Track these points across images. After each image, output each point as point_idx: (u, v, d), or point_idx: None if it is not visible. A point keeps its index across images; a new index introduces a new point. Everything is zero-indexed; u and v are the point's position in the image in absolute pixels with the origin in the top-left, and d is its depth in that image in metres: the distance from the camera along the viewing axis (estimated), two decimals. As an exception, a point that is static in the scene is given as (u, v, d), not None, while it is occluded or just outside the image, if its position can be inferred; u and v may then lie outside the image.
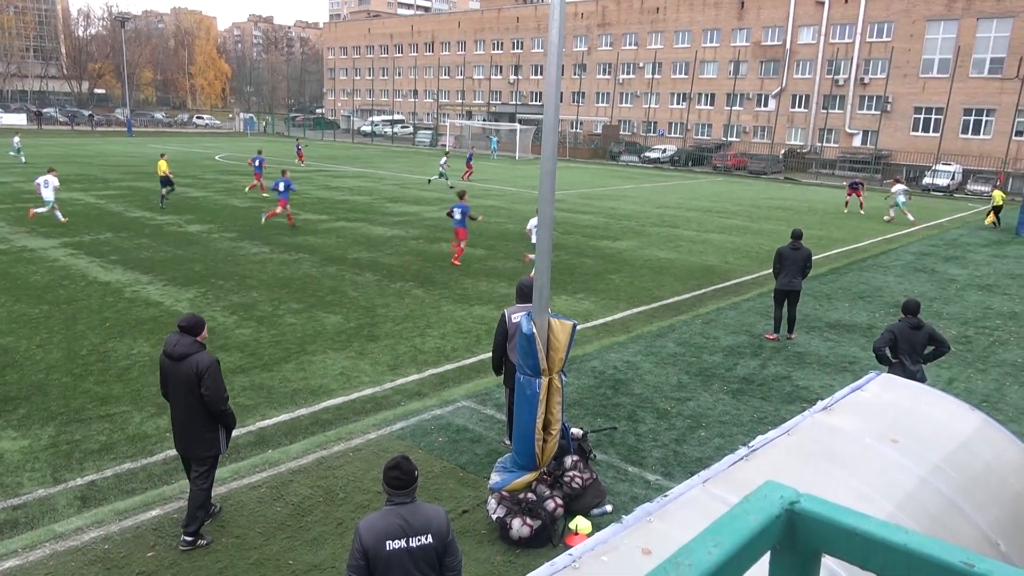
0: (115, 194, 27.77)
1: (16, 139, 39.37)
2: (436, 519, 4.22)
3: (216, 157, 48.86)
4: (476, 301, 14.02)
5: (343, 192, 31.35)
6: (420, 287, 14.89)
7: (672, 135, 68.24)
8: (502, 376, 7.79)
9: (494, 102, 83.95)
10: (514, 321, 7.31)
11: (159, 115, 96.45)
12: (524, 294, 7.41)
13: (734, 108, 63.49)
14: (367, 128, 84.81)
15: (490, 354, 8.26)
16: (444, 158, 36.56)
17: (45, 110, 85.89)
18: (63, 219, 20.64)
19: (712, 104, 66.25)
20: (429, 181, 37.07)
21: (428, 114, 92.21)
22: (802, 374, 10.75)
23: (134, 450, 7.66)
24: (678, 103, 68.71)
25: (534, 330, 6.44)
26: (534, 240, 24.72)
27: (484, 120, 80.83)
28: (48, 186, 20.43)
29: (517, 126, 64.61)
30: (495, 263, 17.59)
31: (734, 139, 63.87)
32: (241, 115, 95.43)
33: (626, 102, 72.42)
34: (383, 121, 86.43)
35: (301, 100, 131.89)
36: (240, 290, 14.08)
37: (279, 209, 21.36)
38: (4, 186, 28.96)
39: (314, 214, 24.46)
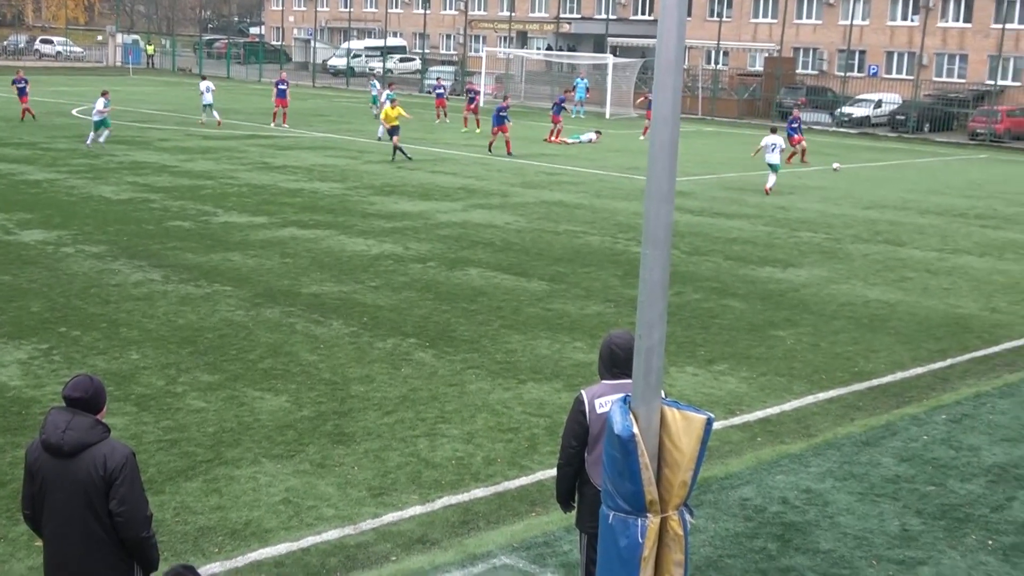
0: (-102, 175, 28.78)
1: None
2: None
3: (74, 111, 50.35)
4: (530, 375, 14.05)
5: (295, 176, 31.95)
6: (429, 347, 15.01)
7: (893, 76, 67.82)
8: (575, 513, 7.76)
9: (568, 16, 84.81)
10: (599, 413, 7.31)
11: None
12: (618, 362, 7.40)
13: (1009, 26, 62.79)
14: (339, 62, 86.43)
15: (554, 473, 8.23)
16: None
17: None
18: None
19: (968, 19, 65.70)
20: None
21: (449, 37, 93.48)
22: None
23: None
24: (905, 17, 68.35)
25: (634, 429, 6.44)
26: (772, 159, 32.08)
27: (550, 48, 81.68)
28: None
29: (608, 59, 65.09)
30: (565, 306, 17.65)
31: (1009, 83, 63.07)
32: (119, 38, 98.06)
33: (809, 16, 72.38)
34: (368, 50, 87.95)
35: (223, 13, 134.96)
36: (110, 348, 14.36)
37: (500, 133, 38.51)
38: None
39: (242, 214, 24.97)
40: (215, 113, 46.16)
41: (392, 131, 36.38)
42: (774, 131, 33.91)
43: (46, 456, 6.15)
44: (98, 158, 33.84)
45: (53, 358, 13.84)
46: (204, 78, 46.94)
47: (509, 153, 38.90)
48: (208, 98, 45.82)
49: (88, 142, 35.98)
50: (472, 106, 49.43)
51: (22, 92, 44.39)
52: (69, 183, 28.53)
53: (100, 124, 36.40)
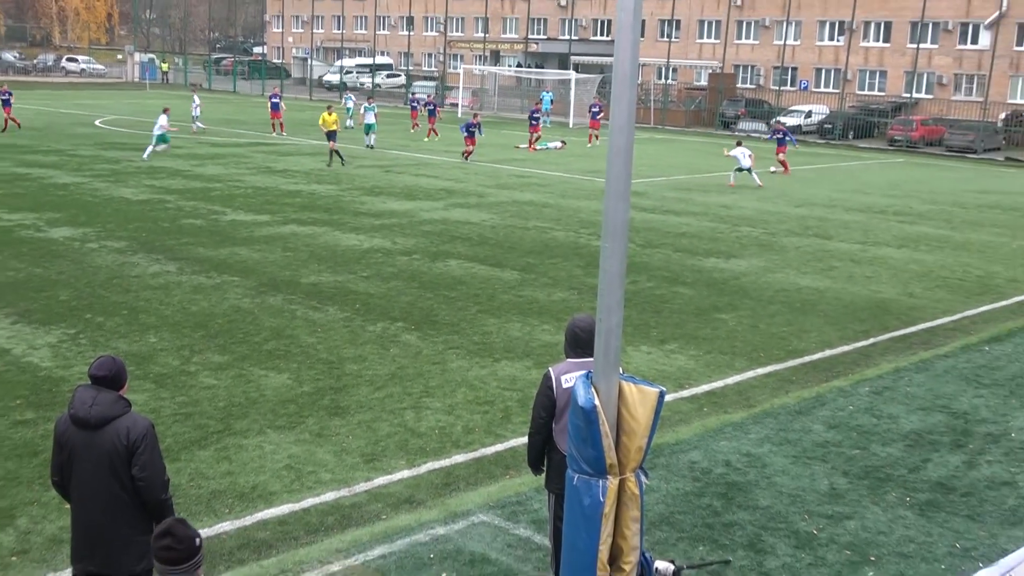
0: (-61, 179, 28.53)
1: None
2: None
3: (97, 122, 50.01)
4: (504, 354, 14.07)
5: (295, 179, 31.82)
6: (415, 330, 15.01)
7: (822, 89, 68.11)
8: (544, 476, 7.78)
9: (535, 37, 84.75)
10: (565, 387, 7.32)
11: (10, 56, 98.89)
12: (581, 342, 7.43)
13: (923, 46, 63.23)
14: (333, 77, 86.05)
15: (525, 440, 8.25)
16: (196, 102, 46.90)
17: None
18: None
19: (887, 40, 66.06)
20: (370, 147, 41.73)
21: (430, 55, 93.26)
22: (1035, 479, 10.60)
23: (-39, 583, 7.81)
24: (832, 38, 68.65)
25: (596, 401, 6.45)
26: (744, 164, 33.98)
27: (520, 65, 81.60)
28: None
29: (571, 75, 65.07)
30: (534, 293, 17.67)
31: (923, 96, 63.48)
32: (136, 56, 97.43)
33: (747, 36, 72.58)
34: (359, 67, 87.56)
35: (230, 34, 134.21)
36: (130, 332, 14.31)
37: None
38: None
39: (247, 213, 24.85)
40: (198, 123, 46.17)
41: (330, 135, 35.53)
42: (739, 144, 35.22)
43: (74, 429, 6.14)
44: (118, 162, 33.62)
45: (80, 341, 13.78)
46: (193, 90, 49.00)
47: (465, 158, 38.54)
48: (196, 111, 46.32)
49: (145, 155, 35.31)
50: (433, 118, 48.99)
51: (6, 103, 42.81)
52: (93, 186, 28.33)
53: (160, 139, 36.00)
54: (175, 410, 11.41)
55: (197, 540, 4.75)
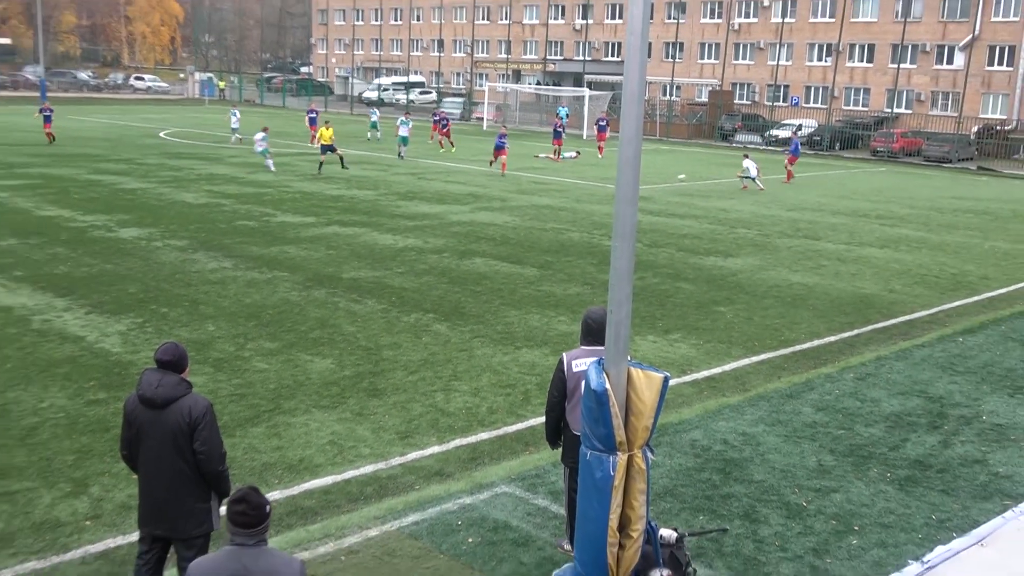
0: (22, 184, 28.74)
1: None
2: (286, 572, 4.83)
3: (161, 134, 50.25)
4: (524, 342, 14.07)
5: (337, 185, 31.89)
6: (444, 321, 15.03)
7: (811, 105, 67.78)
8: (560, 451, 7.79)
9: (553, 58, 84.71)
10: (577, 371, 7.33)
11: (84, 75, 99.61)
12: (593, 332, 7.43)
13: (903, 66, 62.82)
14: (372, 94, 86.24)
15: (543, 419, 8.25)
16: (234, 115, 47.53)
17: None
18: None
19: (870, 60, 65.69)
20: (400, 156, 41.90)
21: (458, 74, 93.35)
22: (1003, 456, 10.51)
23: (41, 544, 7.86)
24: (820, 59, 68.31)
25: (607, 385, 6.44)
26: (751, 173, 34.87)
27: (539, 83, 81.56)
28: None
29: (585, 92, 64.95)
30: (552, 287, 17.65)
31: (903, 111, 63.08)
32: (196, 75, 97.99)
33: (744, 58, 72.30)
34: (395, 85, 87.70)
35: (280, 55, 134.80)
36: (191, 321, 14.39)
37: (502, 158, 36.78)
38: None
39: (295, 215, 24.92)
40: (235, 136, 46.09)
41: (327, 148, 34.75)
42: (747, 156, 36.40)
43: (141, 408, 6.20)
44: (180, 169, 33.80)
45: (146, 329, 13.86)
46: (234, 106, 49.42)
47: (503, 174, 37.18)
48: (235, 123, 46.66)
49: (271, 166, 34.89)
50: (445, 130, 47.96)
51: (47, 120, 42.39)
52: (158, 191, 28.48)
53: (264, 152, 35.15)
54: (231, 391, 11.47)
55: (267, 507, 4.98)
